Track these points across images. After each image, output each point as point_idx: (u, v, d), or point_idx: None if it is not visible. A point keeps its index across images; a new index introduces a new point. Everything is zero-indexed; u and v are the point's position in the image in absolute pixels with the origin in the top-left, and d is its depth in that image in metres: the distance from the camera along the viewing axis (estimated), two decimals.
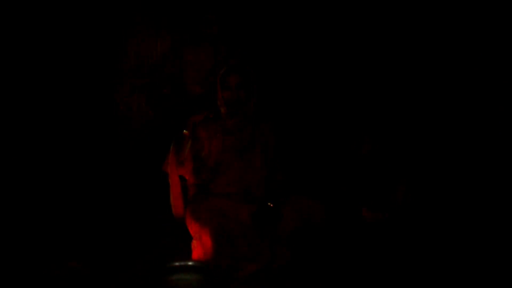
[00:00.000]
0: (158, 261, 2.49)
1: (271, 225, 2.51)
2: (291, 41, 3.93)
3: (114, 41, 3.68)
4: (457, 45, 3.62)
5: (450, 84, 3.69)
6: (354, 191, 3.10)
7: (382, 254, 2.78)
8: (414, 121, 3.70)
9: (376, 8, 3.77)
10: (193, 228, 2.54)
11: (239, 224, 2.48)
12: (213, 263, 2.38)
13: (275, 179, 2.73)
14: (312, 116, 3.83)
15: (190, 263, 2.39)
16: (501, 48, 3.50)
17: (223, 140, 2.69)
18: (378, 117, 3.40)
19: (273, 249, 2.48)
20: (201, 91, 3.65)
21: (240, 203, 2.59)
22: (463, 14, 3.59)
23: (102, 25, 3.61)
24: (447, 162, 3.52)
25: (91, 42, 3.60)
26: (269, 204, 2.52)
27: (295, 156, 3.16)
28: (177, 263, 2.36)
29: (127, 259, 2.75)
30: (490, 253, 2.78)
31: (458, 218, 3.15)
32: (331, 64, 3.84)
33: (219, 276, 2.36)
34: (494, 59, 3.52)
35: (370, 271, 2.61)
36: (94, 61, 3.49)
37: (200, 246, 2.47)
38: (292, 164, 2.92)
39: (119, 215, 3.23)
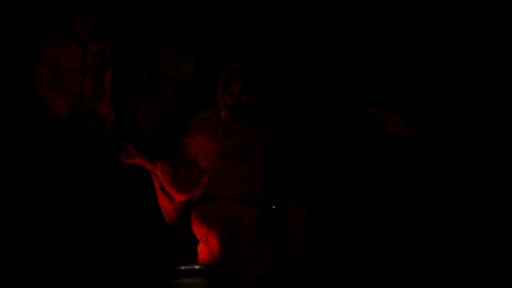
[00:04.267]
0: (164, 264, 2.51)
1: (275, 228, 2.50)
2: (292, 41, 3.92)
3: (118, 47, 3.67)
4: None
5: (450, 84, 3.69)
6: (359, 191, 3.14)
7: (387, 258, 2.80)
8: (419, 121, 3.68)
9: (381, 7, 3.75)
10: (199, 231, 2.55)
11: (243, 227, 2.48)
12: (219, 266, 2.39)
13: (279, 183, 2.72)
14: (314, 116, 3.82)
15: (196, 266, 2.43)
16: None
17: (223, 143, 2.69)
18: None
19: (277, 253, 2.47)
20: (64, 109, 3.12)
21: (243, 206, 2.59)
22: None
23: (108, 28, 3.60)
24: (450, 162, 3.52)
25: None
26: (272, 207, 2.53)
27: (299, 157, 3.16)
28: (183, 267, 2.40)
29: (133, 262, 2.77)
30: (491, 253, 2.81)
31: (462, 219, 3.17)
32: (332, 62, 3.82)
33: (224, 280, 2.39)
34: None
35: (375, 276, 2.63)
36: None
37: (207, 249, 2.47)
38: (296, 166, 2.92)
39: (126, 218, 3.24)
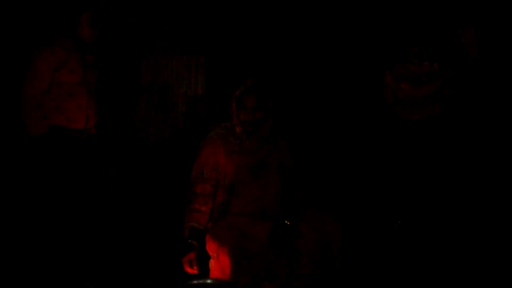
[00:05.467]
0: (177, 279, 2.50)
1: (288, 243, 2.48)
2: (303, 55, 3.86)
3: (130, 59, 3.58)
4: None
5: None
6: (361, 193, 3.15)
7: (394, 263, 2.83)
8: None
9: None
10: (211, 247, 2.54)
11: (256, 242, 2.46)
12: (230, 282, 2.37)
13: (292, 197, 2.72)
14: (325, 128, 3.80)
15: (208, 281, 2.43)
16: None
17: (238, 160, 2.67)
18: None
19: (290, 267, 2.44)
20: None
21: (257, 221, 2.57)
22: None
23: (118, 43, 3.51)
24: (450, 162, 3.52)
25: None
26: (285, 222, 2.51)
27: (311, 171, 3.16)
28: (195, 281, 2.40)
29: (146, 277, 2.76)
30: (491, 254, 2.83)
31: (462, 218, 3.19)
32: (346, 77, 3.79)
33: None
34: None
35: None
36: (111, 78, 3.39)
37: (218, 265, 2.45)
38: (308, 180, 2.92)
39: (138, 234, 3.23)
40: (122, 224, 3.22)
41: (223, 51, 3.77)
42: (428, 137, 3.33)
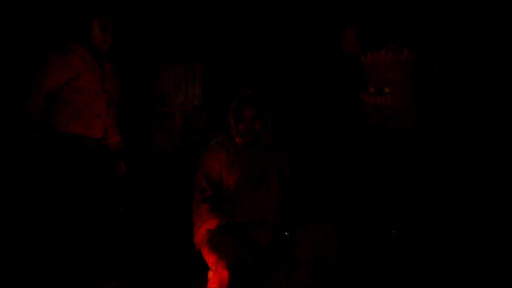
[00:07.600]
0: (177, 279, 2.50)
1: (287, 254, 2.47)
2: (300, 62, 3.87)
3: (133, 70, 3.59)
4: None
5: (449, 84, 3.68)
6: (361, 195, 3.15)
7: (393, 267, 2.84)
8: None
9: None
10: (210, 258, 2.51)
11: (256, 253, 2.44)
12: None
13: (291, 208, 2.71)
14: (324, 128, 3.81)
15: None
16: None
17: (240, 171, 2.65)
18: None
19: (288, 277, 2.43)
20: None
21: (256, 232, 2.55)
22: None
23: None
24: (450, 161, 3.53)
25: None
26: (285, 233, 2.49)
27: (310, 172, 3.15)
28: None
29: (146, 277, 2.76)
30: (491, 254, 2.85)
31: (462, 218, 3.19)
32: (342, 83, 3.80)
33: None
34: None
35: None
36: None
37: (216, 277, 2.41)
38: (307, 183, 2.91)
39: (138, 234, 3.23)
40: (122, 224, 3.22)
41: (222, 58, 3.77)
42: (428, 137, 3.33)
